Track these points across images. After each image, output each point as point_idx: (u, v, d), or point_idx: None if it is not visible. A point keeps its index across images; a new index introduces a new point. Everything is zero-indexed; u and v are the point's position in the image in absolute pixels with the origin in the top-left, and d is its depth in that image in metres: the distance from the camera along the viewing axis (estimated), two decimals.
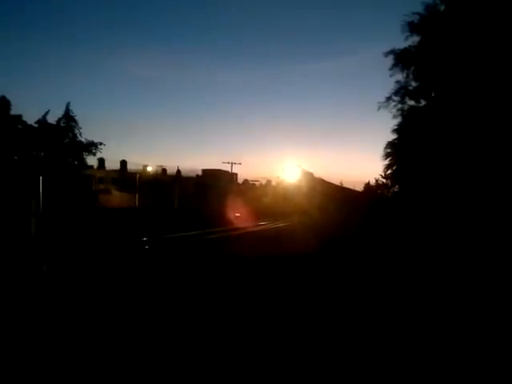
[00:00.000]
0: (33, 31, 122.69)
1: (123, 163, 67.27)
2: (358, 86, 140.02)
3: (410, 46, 23.32)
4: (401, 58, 23.64)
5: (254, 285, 11.89)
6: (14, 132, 39.76)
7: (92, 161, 51.07)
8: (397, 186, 29.84)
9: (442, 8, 22.45)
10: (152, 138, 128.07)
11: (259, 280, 12.57)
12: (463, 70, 20.19)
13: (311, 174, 58.95)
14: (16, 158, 40.45)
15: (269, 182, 77.39)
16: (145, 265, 15.33)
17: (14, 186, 32.41)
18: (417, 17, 22.76)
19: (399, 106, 24.51)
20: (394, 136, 25.94)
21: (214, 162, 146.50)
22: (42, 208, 18.99)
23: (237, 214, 46.96)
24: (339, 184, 61.20)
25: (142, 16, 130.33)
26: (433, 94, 23.65)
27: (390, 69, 24.07)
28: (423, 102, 24.26)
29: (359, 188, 52.94)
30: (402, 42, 23.45)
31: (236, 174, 79.25)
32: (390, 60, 23.98)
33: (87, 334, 7.37)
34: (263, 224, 43.33)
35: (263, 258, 16.78)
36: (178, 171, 73.60)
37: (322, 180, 56.62)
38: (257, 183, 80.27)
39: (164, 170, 72.27)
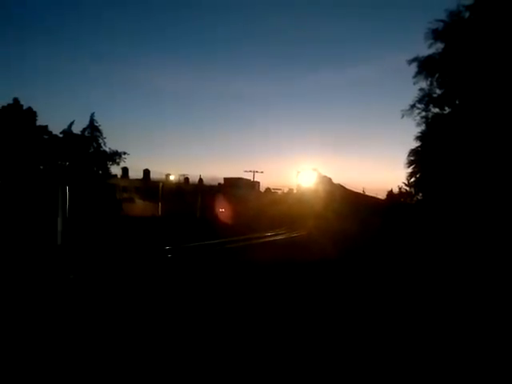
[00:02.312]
0: (58, 44, 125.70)
1: (146, 172, 67.83)
2: (380, 93, 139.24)
3: (434, 53, 23.23)
4: (425, 66, 23.50)
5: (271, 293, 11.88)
6: (39, 142, 40.57)
7: (116, 170, 51.64)
8: (420, 194, 29.50)
9: (467, 15, 22.26)
10: (174, 147, 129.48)
11: (279, 288, 12.55)
12: (489, 77, 19.94)
13: (330, 179, 58.28)
14: (42, 167, 41.27)
15: (290, 190, 77.03)
16: (167, 274, 15.43)
17: (40, 195, 33.05)
18: (441, 24, 22.66)
19: (423, 113, 24.42)
20: (417, 144, 25.77)
21: (235, 170, 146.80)
22: (69, 217, 19.34)
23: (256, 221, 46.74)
24: (361, 191, 60.69)
25: (165, 28, 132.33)
26: (457, 102, 23.41)
27: (414, 76, 24.02)
28: (448, 110, 24.06)
29: (382, 196, 52.58)
30: (425, 49, 23.38)
31: (258, 183, 79.19)
32: (413, 67, 23.94)
33: (112, 340, 7.48)
34: (283, 233, 43.07)
35: (284, 266, 16.82)
36: (200, 180, 73.93)
37: (341, 186, 56.03)
38: (279, 191, 79.84)
39: (186, 179, 72.59)
